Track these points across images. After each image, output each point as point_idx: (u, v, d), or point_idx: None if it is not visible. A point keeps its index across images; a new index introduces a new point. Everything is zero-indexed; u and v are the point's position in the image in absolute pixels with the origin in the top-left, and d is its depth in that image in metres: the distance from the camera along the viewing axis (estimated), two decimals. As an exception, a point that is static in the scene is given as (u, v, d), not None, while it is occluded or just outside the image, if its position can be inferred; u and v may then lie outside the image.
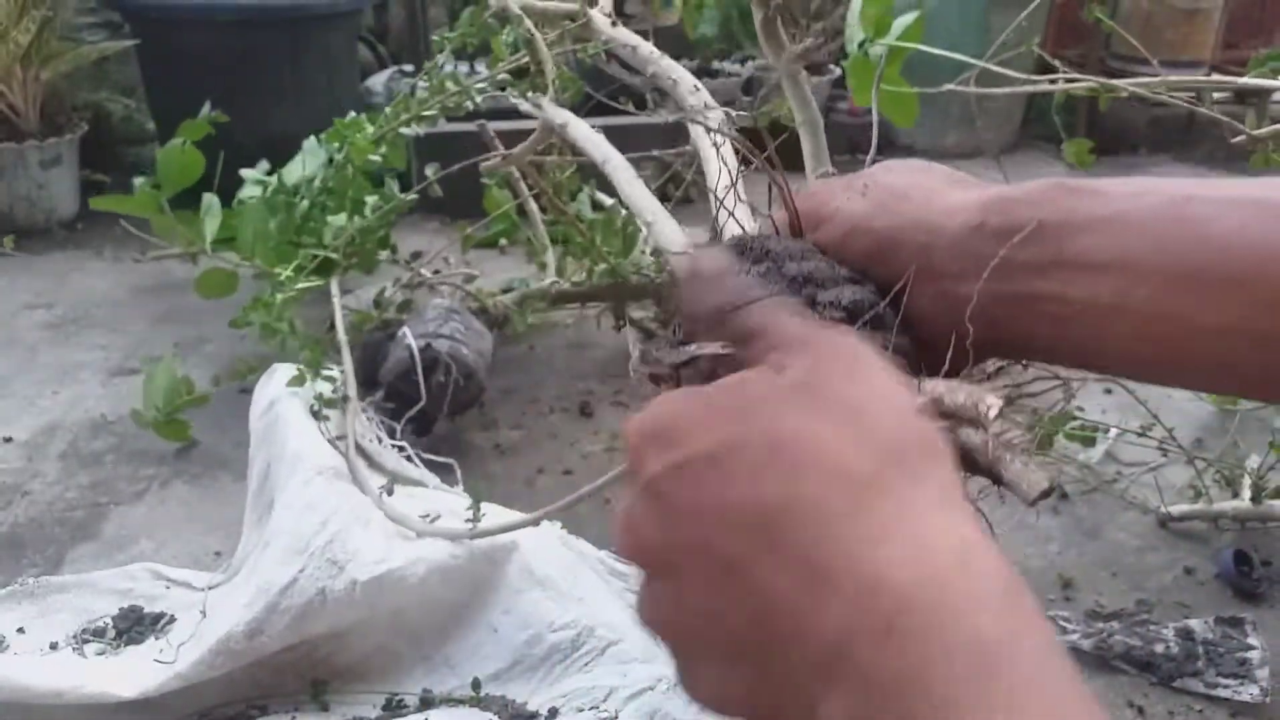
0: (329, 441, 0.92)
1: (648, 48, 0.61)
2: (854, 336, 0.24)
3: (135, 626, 0.88)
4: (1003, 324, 0.27)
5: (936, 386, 0.24)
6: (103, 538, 1.02)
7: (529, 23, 0.84)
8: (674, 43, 2.39)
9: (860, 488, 0.19)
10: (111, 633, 0.87)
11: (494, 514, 0.88)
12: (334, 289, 1.02)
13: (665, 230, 0.42)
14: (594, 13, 0.75)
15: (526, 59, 0.89)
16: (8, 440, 1.18)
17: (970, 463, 0.24)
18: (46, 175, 1.81)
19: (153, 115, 2.07)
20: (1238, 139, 0.85)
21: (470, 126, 1.27)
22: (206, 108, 1.26)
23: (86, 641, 0.86)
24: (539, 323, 1.40)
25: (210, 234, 1.21)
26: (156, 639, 0.86)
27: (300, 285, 1.02)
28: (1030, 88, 0.72)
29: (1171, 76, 0.87)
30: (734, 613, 0.19)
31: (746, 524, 0.19)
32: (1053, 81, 0.81)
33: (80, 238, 1.81)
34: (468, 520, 0.78)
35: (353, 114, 1.21)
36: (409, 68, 2.36)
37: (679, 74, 0.53)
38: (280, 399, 0.98)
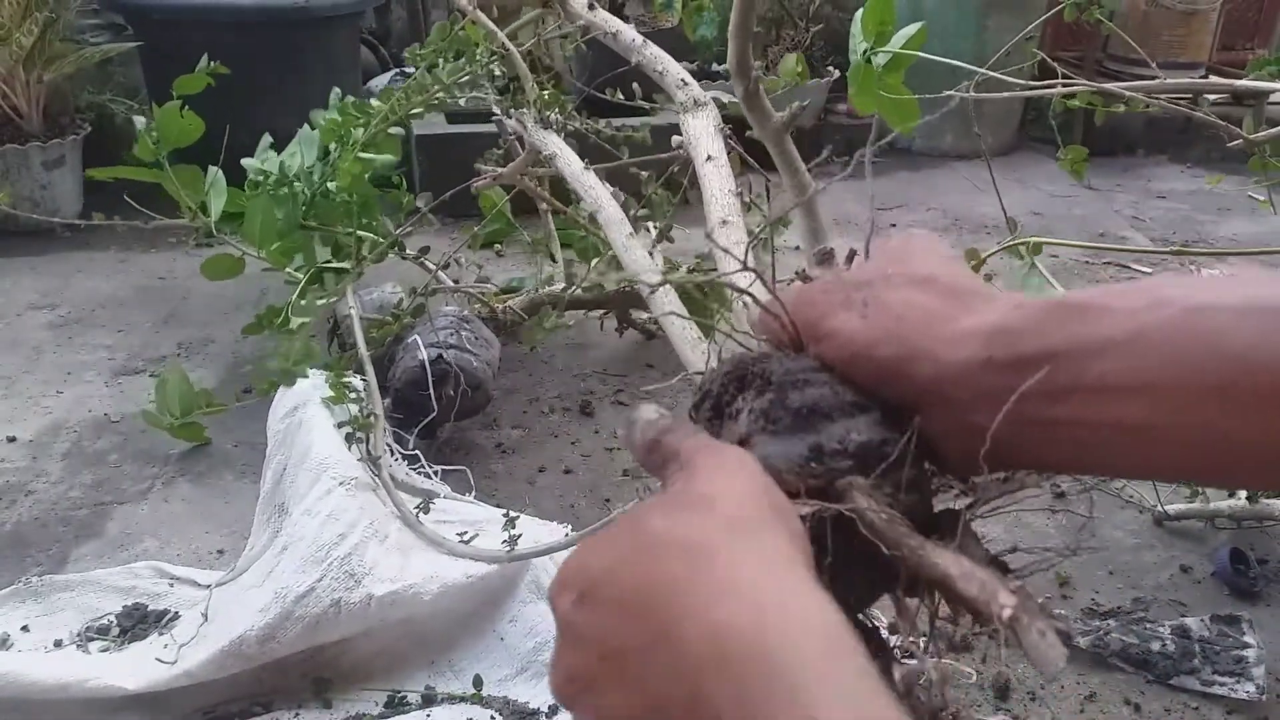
0: (360, 461, 0.92)
1: (630, 33, 0.59)
2: (730, 448, 0.27)
3: (139, 624, 0.89)
4: (1024, 448, 0.27)
5: (948, 563, 0.24)
6: (106, 536, 1.03)
7: (502, 35, 0.83)
8: (674, 45, 2.40)
9: (699, 556, 0.23)
10: (115, 630, 0.88)
11: (527, 530, 0.88)
12: (350, 300, 1.01)
13: (679, 336, 0.41)
14: (573, 1, 0.73)
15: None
16: (12, 440, 1.19)
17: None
18: (50, 176, 1.81)
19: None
20: (1234, 143, 0.86)
21: (470, 127, 1.28)
22: (205, 60, 1.25)
23: (91, 639, 0.87)
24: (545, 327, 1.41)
25: (216, 211, 1.18)
26: (160, 634, 0.87)
27: (319, 300, 1.01)
28: (1027, 93, 0.73)
29: (1168, 78, 0.87)
30: (629, 689, 0.23)
31: (626, 615, 0.23)
32: (1050, 87, 0.81)
33: (84, 238, 1.82)
34: (504, 542, 0.78)
35: (337, 104, 1.19)
36: (411, 69, 2.37)
37: (666, 63, 0.52)
38: (305, 405, 0.98)
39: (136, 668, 0.79)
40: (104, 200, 1.93)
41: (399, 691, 0.83)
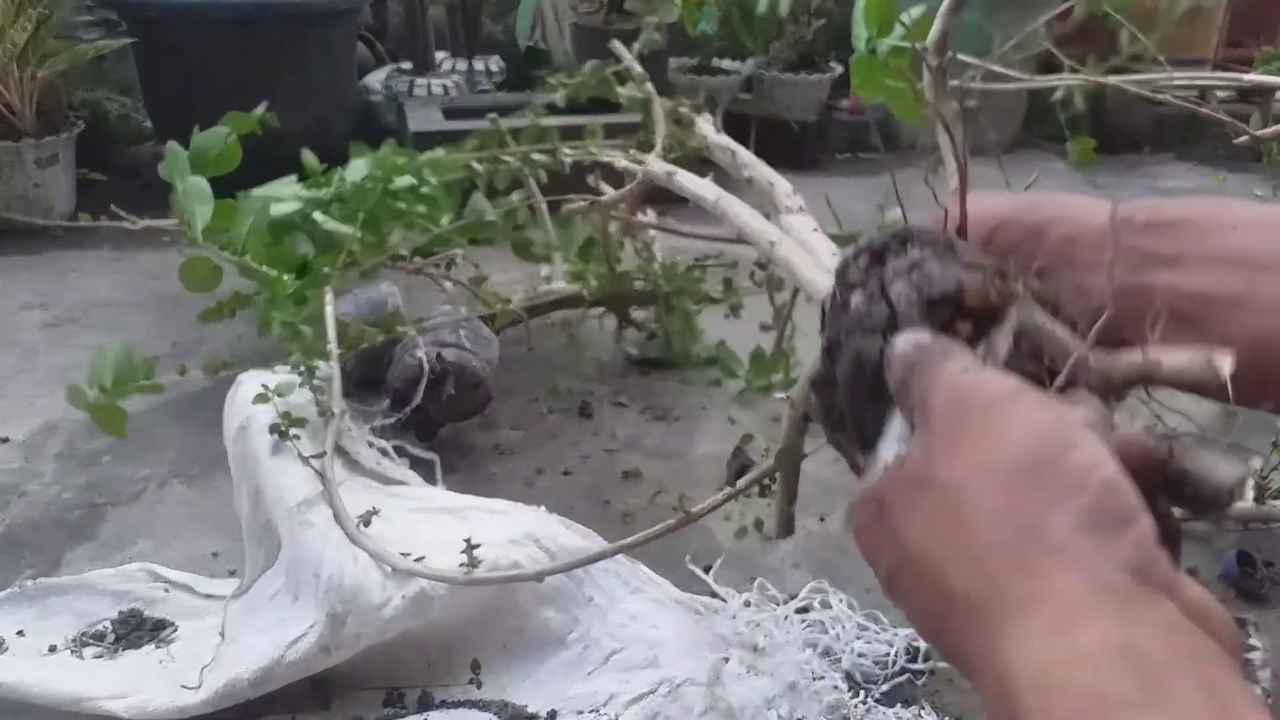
0: (303, 460, 0.85)
1: (746, 154, 0.61)
2: (973, 397, 0.25)
3: (134, 631, 0.88)
4: (1130, 317, 0.27)
5: (1151, 352, 0.24)
6: (100, 538, 1.02)
7: (650, 86, 0.84)
8: (674, 41, 2.38)
9: (956, 617, 0.23)
10: (111, 637, 0.87)
11: (557, 533, 0.84)
12: (328, 299, 0.97)
13: (801, 259, 0.41)
14: (700, 120, 0.75)
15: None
16: (5, 441, 1.18)
17: (1146, 468, 0.23)
18: (43, 174, 1.80)
19: (150, 114, 2.07)
20: (1241, 140, 0.85)
21: (468, 124, 1.26)
22: (263, 108, 1.19)
23: (85, 645, 0.86)
24: (539, 324, 1.39)
25: (202, 222, 1.10)
26: (157, 647, 0.86)
27: (306, 289, 0.98)
28: (1033, 84, 0.72)
29: (1175, 73, 0.86)
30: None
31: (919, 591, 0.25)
32: (1056, 78, 0.80)
33: (77, 237, 1.80)
34: (461, 565, 0.68)
35: (389, 157, 1.11)
36: (407, 65, 2.35)
37: (775, 179, 0.53)
38: (248, 424, 0.92)
39: (131, 687, 0.78)
40: (97, 199, 1.92)
41: (397, 688, 0.82)
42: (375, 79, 2.32)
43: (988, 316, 0.25)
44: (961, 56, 0.77)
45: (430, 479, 1.06)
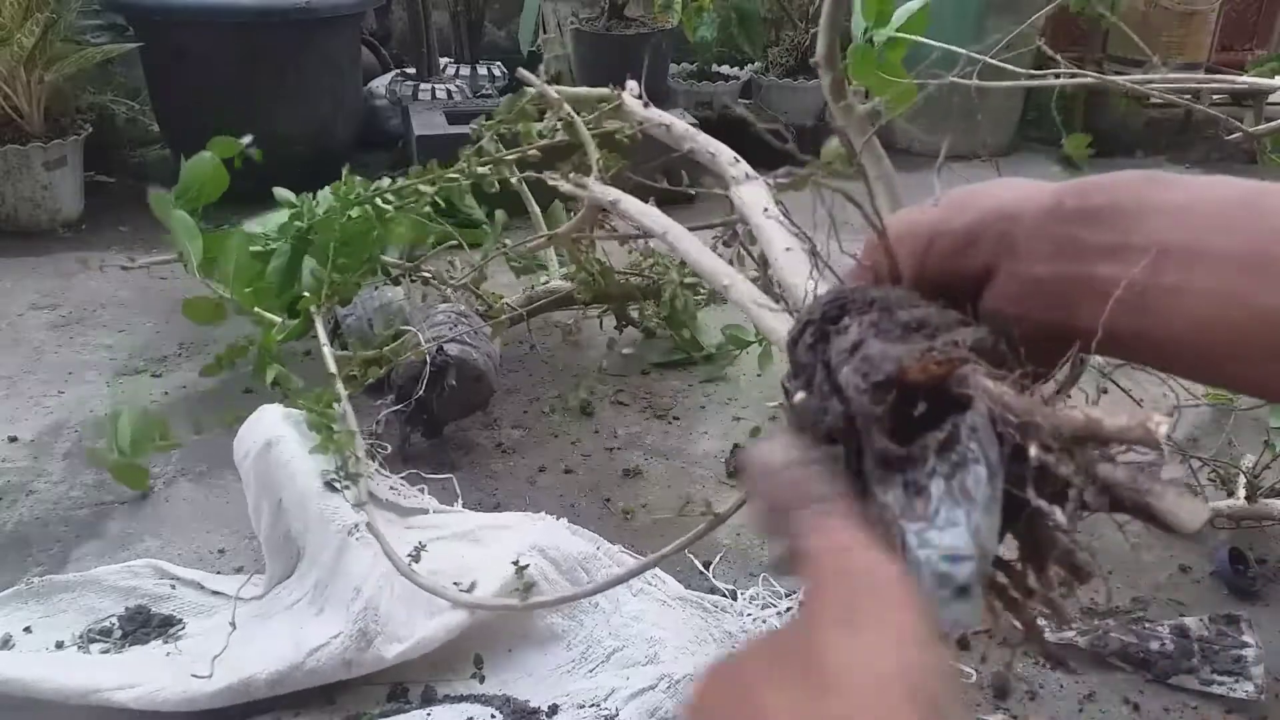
0: (352, 506, 0.90)
1: (682, 125, 0.61)
2: (875, 567, 0.23)
3: (141, 628, 0.88)
4: (1074, 309, 0.27)
5: (1092, 411, 0.23)
6: (107, 536, 1.03)
7: (568, 108, 0.84)
8: (674, 46, 2.40)
9: None
10: (118, 633, 0.88)
11: (519, 524, 0.86)
12: (322, 333, 1.00)
13: (745, 291, 0.41)
14: (626, 97, 0.76)
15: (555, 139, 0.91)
16: (13, 440, 1.19)
17: (1112, 499, 0.23)
18: (51, 176, 1.82)
19: (156, 117, 2.08)
20: (1233, 136, 0.86)
21: (469, 128, 1.28)
22: (249, 139, 1.21)
23: (92, 641, 0.87)
24: (539, 324, 1.41)
25: (196, 256, 1.15)
26: (164, 643, 0.87)
27: (290, 326, 1.00)
28: (1028, 83, 0.73)
29: (1169, 75, 0.87)
30: None
31: None
32: (1056, 76, 0.81)
33: (85, 238, 1.82)
34: (516, 590, 0.76)
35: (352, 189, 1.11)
36: (411, 70, 2.37)
37: (716, 147, 0.53)
38: (278, 441, 0.94)
39: (139, 679, 0.79)
40: (105, 201, 1.94)
41: (401, 684, 0.83)
42: (380, 84, 2.34)
43: (937, 385, 0.25)
44: (959, 50, 0.78)
45: (448, 497, 1.08)
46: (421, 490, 1.08)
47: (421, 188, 1.06)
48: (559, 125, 0.90)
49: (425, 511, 1.03)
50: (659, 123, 0.66)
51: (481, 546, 0.94)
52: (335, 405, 0.90)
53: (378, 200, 1.09)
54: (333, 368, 0.92)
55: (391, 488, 1.05)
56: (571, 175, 0.77)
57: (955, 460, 0.24)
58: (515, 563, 0.70)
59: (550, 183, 0.77)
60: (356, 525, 0.87)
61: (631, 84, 0.86)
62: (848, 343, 0.27)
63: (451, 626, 0.83)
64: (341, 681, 0.83)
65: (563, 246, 1.15)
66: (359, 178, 1.15)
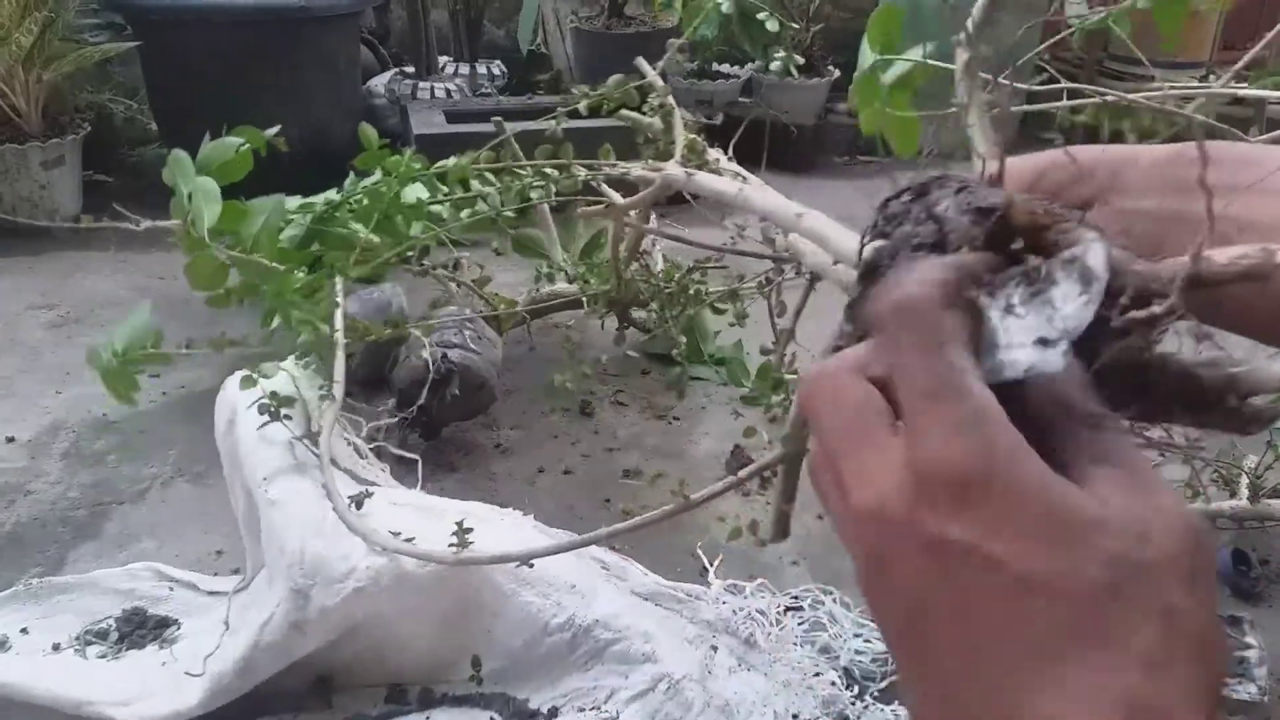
0: (294, 440, 0.86)
1: (755, 180, 0.57)
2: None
3: (138, 630, 0.88)
4: (1166, 243, 0.26)
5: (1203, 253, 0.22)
6: (105, 537, 1.03)
7: (671, 100, 0.84)
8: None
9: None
10: (114, 635, 0.87)
11: (483, 516, 0.83)
12: (338, 289, 0.98)
13: (817, 218, 0.39)
14: (711, 151, 0.71)
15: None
16: (11, 440, 1.19)
17: (1188, 394, 0.22)
18: (49, 176, 1.81)
19: (155, 116, 2.08)
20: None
21: (470, 127, 1.27)
22: (275, 129, 1.18)
23: (89, 643, 0.86)
24: (540, 324, 1.40)
25: (209, 221, 1.06)
26: (161, 647, 0.86)
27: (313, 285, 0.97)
28: (1029, 107, 0.72)
29: (1169, 78, 0.87)
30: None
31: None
32: (1055, 88, 0.80)
33: (83, 238, 1.81)
34: (451, 544, 0.66)
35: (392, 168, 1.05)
36: (410, 69, 2.36)
37: (769, 198, 0.52)
38: (235, 418, 0.93)
39: (134, 692, 0.79)
40: (103, 200, 1.93)
41: (399, 685, 0.83)
42: (379, 82, 2.33)
43: (1037, 240, 0.24)
44: (951, 67, 0.78)
45: (411, 479, 1.04)
46: (384, 469, 1.03)
47: (487, 175, 1.00)
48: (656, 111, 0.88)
49: (377, 485, 0.96)
50: (735, 173, 0.64)
51: (443, 524, 0.90)
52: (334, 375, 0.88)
53: (435, 182, 1.04)
54: (339, 322, 0.88)
55: (352, 459, 0.99)
56: (649, 160, 0.76)
57: (1047, 284, 0.23)
58: (459, 524, 0.65)
59: (620, 173, 0.75)
60: (268, 476, 0.83)
61: (642, 62, 0.85)
62: (952, 189, 0.26)
63: (397, 574, 0.77)
64: (338, 684, 0.83)
65: (610, 250, 1.12)
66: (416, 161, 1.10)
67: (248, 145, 1.08)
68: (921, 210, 0.26)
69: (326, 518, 0.79)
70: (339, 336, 0.84)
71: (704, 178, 0.55)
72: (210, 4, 1.86)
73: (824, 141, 2.37)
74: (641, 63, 0.93)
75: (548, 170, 0.97)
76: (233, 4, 1.87)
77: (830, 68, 2.38)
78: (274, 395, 0.87)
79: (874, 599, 0.22)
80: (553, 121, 0.85)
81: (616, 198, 0.75)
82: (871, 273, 0.27)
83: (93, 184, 1.95)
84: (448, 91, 2.27)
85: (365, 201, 1.01)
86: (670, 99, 0.85)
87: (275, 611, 0.77)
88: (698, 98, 2.37)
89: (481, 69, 2.46)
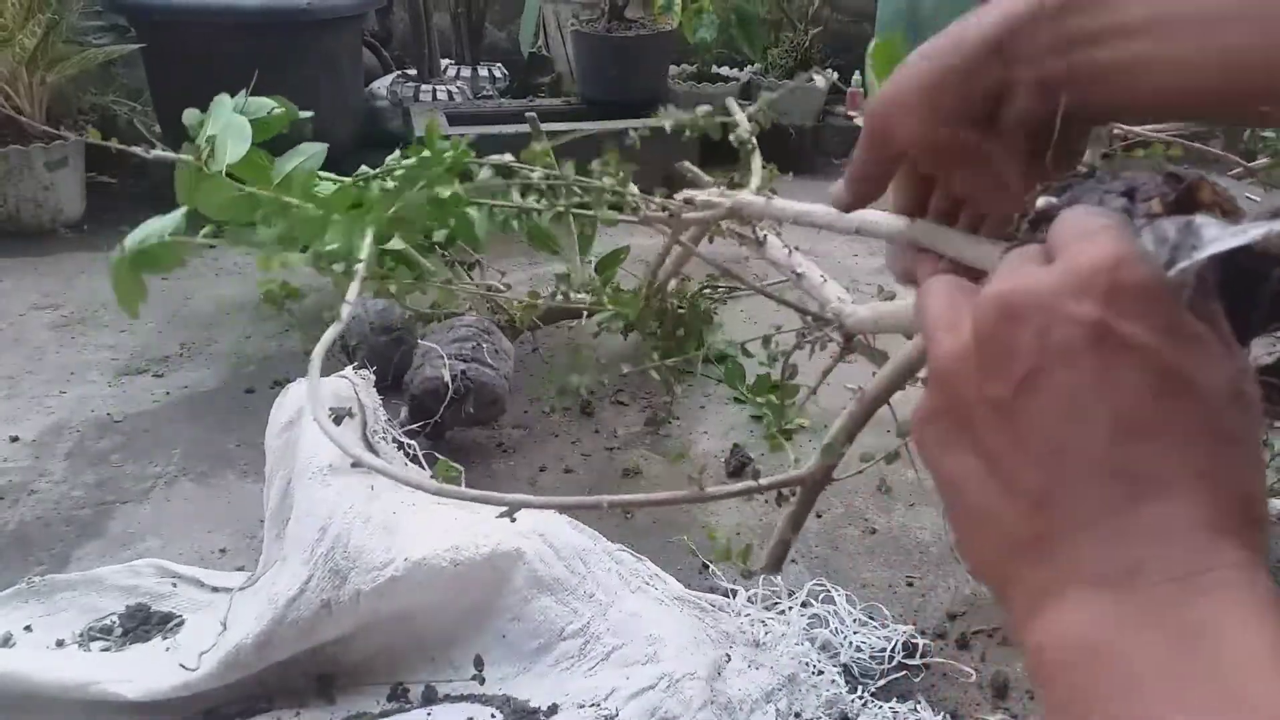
0: (358, 438, 0.89)
1: (820, 208, 0.55)
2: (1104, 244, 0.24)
3: (142, 625, 0.89)
4: (1088, 93, 0.29)
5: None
6: (109, 536, 1.03)
7: (754, 140, 0.83)
8: (674, 47, 2.41)
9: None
10: (118, 631, 0.88)
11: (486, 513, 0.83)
12: (353, 292, 0.92)
13: (871, 212, 0.40)
14: (771, 238, 0.69)
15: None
16: (15, 439, 1.19)
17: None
18: (52, 177, 1.82)
19: (158, 118, 2.09)
20: (1236, 174, 0.86)
21: (471, 129, 1.28)
22: (310, 113, 1.15)
23: (93, 639, 0.87)
24: (544, 325, 1.41)
25: (231, 157, 0.97)
26: (164, 639, 0.87)
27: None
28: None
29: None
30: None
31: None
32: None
33: (87, 239, 1.82)
34: (502, 514, 0.70)
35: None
36: (413, 71, 2.37)
37: (826, 279, 0.53)
38: (298, 418, 0.95)
39: (138, 674, 0.79)
40: (107, 201, 1.94)
41: (401, 684, 0.83)
42: (381, 85, 2.34)
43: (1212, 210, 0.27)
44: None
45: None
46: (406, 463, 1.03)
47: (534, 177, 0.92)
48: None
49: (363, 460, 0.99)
50: (782, 248, 0.64)
51: (472, 513, 0.91)
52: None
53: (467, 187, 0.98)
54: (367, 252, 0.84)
55: (403, 457, 1.02)
56: (721, 187, 0.76)
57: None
58: (507, 512, 0.66)
59: (685, 199, 0.72)
60: (331, 466, 0.85)
61: (731, 102, 0.85)
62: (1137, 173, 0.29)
63: (434, 569, 0.80)
64: (341, 681, 0.83)
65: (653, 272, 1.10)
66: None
67: (282, 109, 1.05)
68: (1108, 175, 0.29)
69: (373, 517, 0.82)
70: (360, 267, 0.80)
71: (783, 202, 0.54)
72: (214, 6, 1.87)
73: (823, 143, 2.38)
74: (731, 102, 0.94)
75: (600, 181, 0.90)
76: (236, 6, 1.88)
77: (828, 70, 2.39)
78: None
79: (1023, 403, 0.24)
80: (632, 134, 0.82)
81: (701, 191, 0.73)
82: (1043, 219, 0.29)
83: (96, 185, 1.96)
84: (449, 94, 2.28)
85: (405, 174, 0.95)
86: (754, 140, 0.85)
87: (308, 588, 0.78)
88: (697, 101, 2.37)
89: (483, 72, 2.47)
